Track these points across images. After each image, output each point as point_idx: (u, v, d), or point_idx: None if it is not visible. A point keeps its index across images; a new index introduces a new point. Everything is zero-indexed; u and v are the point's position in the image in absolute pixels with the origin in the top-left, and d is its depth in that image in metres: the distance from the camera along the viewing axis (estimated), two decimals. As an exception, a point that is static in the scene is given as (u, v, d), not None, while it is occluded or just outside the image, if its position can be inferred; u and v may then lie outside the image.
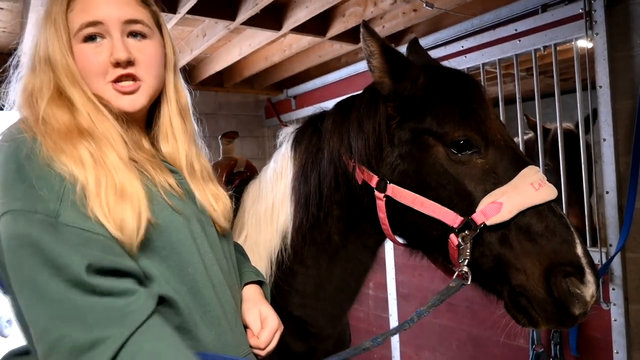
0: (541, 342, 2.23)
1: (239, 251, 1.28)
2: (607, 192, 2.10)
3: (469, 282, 1.17)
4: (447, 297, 1.15)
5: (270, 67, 3.71)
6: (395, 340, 3.29)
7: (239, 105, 4.52)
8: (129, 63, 0.95)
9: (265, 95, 4.46)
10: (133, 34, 0.97)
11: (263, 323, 1.09)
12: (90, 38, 0.94)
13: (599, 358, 2.19)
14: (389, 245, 3.16)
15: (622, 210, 2.07)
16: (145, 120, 1.07)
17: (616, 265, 2.07)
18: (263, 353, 1.07)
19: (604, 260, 2.11)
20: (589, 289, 1.08)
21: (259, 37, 3.00)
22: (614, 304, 2.11)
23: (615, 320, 2.11)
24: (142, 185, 0.89)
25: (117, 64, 0.94)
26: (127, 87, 0.95)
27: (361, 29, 1.26)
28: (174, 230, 0.91)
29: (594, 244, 2.21)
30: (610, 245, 2.11)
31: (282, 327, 1.12)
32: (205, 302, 0.93)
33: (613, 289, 2.10)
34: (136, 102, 0.97)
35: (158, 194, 0.92)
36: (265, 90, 4.32)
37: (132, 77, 0.96)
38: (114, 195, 0.83)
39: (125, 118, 0.96)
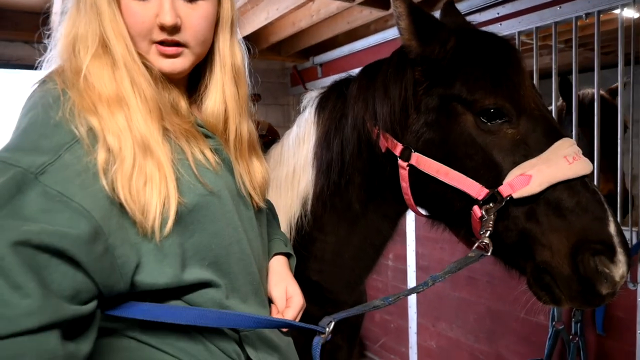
0: (562, 319, 2.21)
1: (270, 209, 1.26)
2: (643, 170, 2.02)
3: (489, 254, 1.14)
4: (465, 266, 1.13)
5: (297, 33, 3.63)
6: (412, 311, 3.31)
7: (264, 72, 4.48)
8: (175, 29, 0.89)
9: (292, 63, 4.40)
10: None
11: (289, 301, 1.08)
12: None
13: (622, 338, 2.15)
14: (410, 217, 3.14)
15: (658, 189, 1.98)
16: (187, 80, 1.02)
17: (648, 245, 2.01)
18: (284, 330, 1.08)
19: (634, 240, 2.05)
20: (619, 269, 1.03)
21: (287, 0, 2.94)
22: (641, 285, 2.05)
23: (641, 301, 2.06)
24: (171, 164, 0.85)
25: (163, 28, 0.88)
26: (170, 50, 0.90)
27: None
28: (203, 206, 0.89)
29: (624, 212, 2.14)
30: (642, 225, 2.03)
31: (305, 305, 1.11)
32: (231, 273, 0.94)
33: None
34: (176, 65, 0.92)
35: (189, 168, 0.89)
36: (292, 57, 4.26)
37: (176, 43, 0.91)
38: (143, 177, 0.80)
39: (165, 79, 0.93)
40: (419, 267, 3.25)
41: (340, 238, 1.48)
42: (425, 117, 1.25)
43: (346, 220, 1.45)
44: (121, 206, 0.79)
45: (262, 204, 1.09)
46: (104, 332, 0.84)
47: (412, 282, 3.31)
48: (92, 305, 0.76)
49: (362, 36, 3.63)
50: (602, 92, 2.87)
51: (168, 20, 0.87)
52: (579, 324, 2.19)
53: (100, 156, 0.78)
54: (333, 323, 1.03)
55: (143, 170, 0.81)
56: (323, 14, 3.18)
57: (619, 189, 2.17)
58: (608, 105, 2.55)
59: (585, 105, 2.73)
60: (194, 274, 0.88)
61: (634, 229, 2.06)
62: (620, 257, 1.03)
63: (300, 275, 1.24)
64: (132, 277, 0.82)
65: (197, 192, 0.88)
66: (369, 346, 3.78)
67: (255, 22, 3.35)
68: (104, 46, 0.87)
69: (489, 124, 1.16)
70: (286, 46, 4.10)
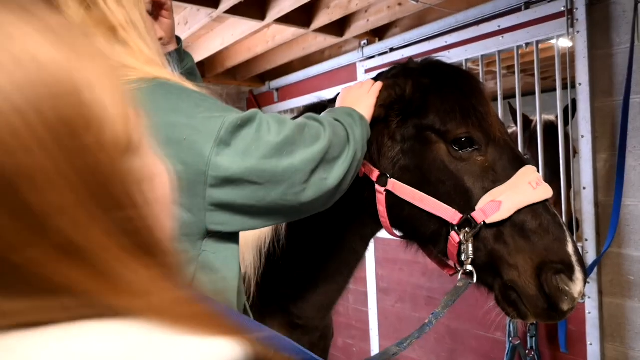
0: (518, 335, 2.27)
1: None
2: (584, 188, 2.15)
3: (474, 281, 1.20)
4: (458, 296, 1.19)
5: (252, 58, 3.66)
6: (374, 333, 3.31)
7: (220, 97, 4.45)
8: None
9: (248, 87, 4.40)
10: None
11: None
12: None
13: (574, 350, 2.24)
14: (370, 239, 3.16)
15: (598, 206, 2.12)
16: None
17: (591, 259, 2.12)
18: None
19: (579, 255, 2.16)
20: (577, 286, 1.12)
21: (242, 26, 2.96)
22: (589, 297, 2.16)
23: (589, 313, 2.16)
24: None
25: None
26: None
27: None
28: None
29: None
30: (586, 240, 2.15)
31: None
32: None
33: (588, 283, 2.16)
34: None
35: None
36: (248, 82, 4.27)
37: None
38: None
39: None
40: (379, 289, 3.27)
41: (315, 262, 1.46)
42: (401, 145, 1.30)
43: (322, 243, 1.44)
44: None
45: None
46: None
47: (373, 304, 3.31)
48: None
49: (317, 62, 3.70)
50: (551, 117, 3.05)
51: None
52: (534, 339, 2.26)
53: None
54: None
55: None
56: (278, 40, 3.22)
57: (564, 211, 2.29)
58: (556, 129, 2.68)
59: (535, 131, 2.86)
60: None
61: (578, 244, 2.18)
62: (578, 274, 1.12)
63: (270, 302, 1.20)
64: None
65: None
66: (332, 372, 3.71)
67: (210, 47, 3.34)
68: None
69: (460, 151, 1.23)
70: (242, 71, 4.11)
